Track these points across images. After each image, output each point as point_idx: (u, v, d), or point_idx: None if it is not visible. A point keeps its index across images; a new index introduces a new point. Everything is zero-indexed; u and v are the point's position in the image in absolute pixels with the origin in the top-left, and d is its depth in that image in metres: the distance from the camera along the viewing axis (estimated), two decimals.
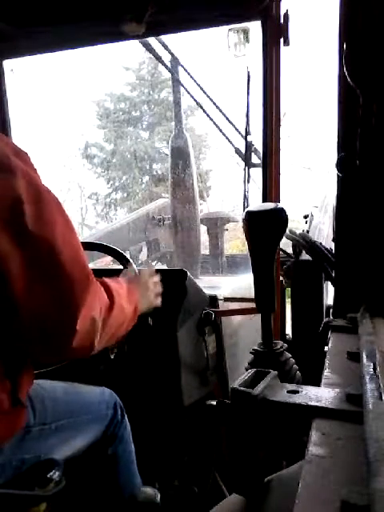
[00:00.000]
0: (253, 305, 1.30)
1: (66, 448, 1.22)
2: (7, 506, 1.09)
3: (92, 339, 0.91)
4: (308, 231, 2.25)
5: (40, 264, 0.81)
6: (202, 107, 2.55)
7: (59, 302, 0.82)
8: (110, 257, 1.57)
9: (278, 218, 1.17)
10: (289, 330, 1.99)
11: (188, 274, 1.71)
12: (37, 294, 0.80)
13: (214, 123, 2.52)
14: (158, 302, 1.34)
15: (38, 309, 0.81)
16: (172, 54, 2.47)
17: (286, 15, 1.62)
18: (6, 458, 1.06)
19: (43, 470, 1.18)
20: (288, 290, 1.98)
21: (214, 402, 1.67)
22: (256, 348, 1.27)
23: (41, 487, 1.16)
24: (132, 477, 1.43)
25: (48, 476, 1.17)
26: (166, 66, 2.55)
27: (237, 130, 2.44)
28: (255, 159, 2.38)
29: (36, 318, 0.81)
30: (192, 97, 2.55)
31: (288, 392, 0.68)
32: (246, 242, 1.22)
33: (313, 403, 0.64)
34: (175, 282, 1.69)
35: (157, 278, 1.35)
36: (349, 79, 1.10)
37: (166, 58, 2.50)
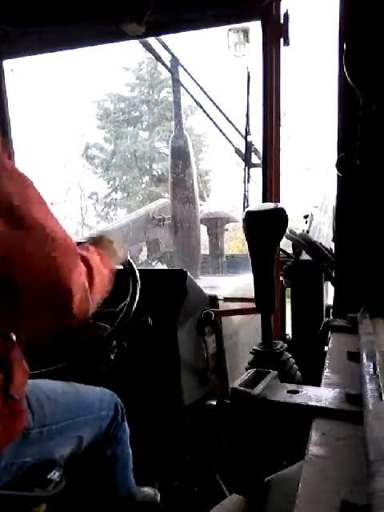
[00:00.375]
0: (253, 305, 1.30)
1: (66, 449, 1.22)
2: (7, 506, 1.09)
3: (87, 299, 0.90)
4: (308, 231, 2.25)
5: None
6: (202, 107, 2.55)
7: (53, 264, 0.82)
8: None
9: (278, 218, 1.17)
10: (289, 330, 1.98)
11: (188, 274, 1.71)
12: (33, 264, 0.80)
13: (214, 123, 2.53)
14: (124, 254, 1.33)
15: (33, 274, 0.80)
16: (172, 54, 2.48)
17: (286, 15, 1.61)
18: (7, 462, 1.06)
19: (43, 470, 1.18)
20: (288, 290, 1.97)
21: (214, 402, 1.67)
22: (256, 348, 1.27)
23: (41, 488, 1.16)
24: (127, 480, 1.41)
25: (48, 477, 1.17)
26: (166, 66, 2.55)
27: (237, 130, 2.44)
28: (255, 159, 2.38)
29: (33, 283, 0.81)
30: (192, 97, 2.55)
31: (288, 392, 0.68)
32: (246, 242, 1.22)
33: (313, 403, 0.64)
34: (175, 282, 1.69)
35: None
36: (349, 79, 1.10)
37: (166, 57, 2.51)
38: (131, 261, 1.50)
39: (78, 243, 1.06)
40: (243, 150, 2.39)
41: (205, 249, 3.50)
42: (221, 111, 2.50)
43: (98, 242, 1.18)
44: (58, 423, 1.18)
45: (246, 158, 2.38)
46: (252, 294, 1.26)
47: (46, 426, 1.14)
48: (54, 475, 1.18)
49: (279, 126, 1.71)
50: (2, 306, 0.82)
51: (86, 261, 0.94)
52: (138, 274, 1.45)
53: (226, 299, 1.91)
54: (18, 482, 1.12)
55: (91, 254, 1.00)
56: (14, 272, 0.79)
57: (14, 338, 1.04)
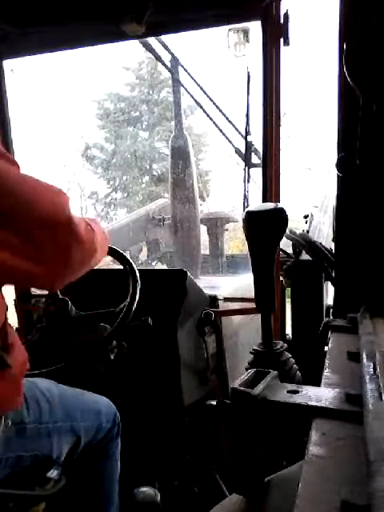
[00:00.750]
0: (253, 305, 1.30)
1: (64, 450, 1.21)
2: (6, 505, 1.09)
3: (91, 229, 0.97)
4: (308, 231, 2.25)
5: None
6: (202, 107, 2.55)
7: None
8: (109, 257, 1.57)
9: (278, 218, 1.17)
10: (289, 330, 1.98)
11: (188, 274, 1.71)
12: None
13: (214, 123, 2.53)
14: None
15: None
16: (172, 54, 2.48)
17: (286, 15, 1.61)
18: (2, 456, 1.06)
19: (42, 469, 1.18)
20: (288, 290, 1.97)
21: (214, 402, 1.67)
22: (256, 348, 1.27)
23: (40, 487, 1.16)
24: (112, 496, 1.40)
25: (47, 475, 1.17)
26: (166, 66, 2.55)
27: (237, 130, 2.44)
28: (255, 159, 2.38)
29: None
30: (192, 97, 2.55)
31: (288, 392, 0.68)
32: (246, 242, 1.22)
33: (313, 403, 0.64)
34: (175, 282, 1.69)
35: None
36: (349, 79, 1.10)
37: (166, 57, 2.51)
38: (131, 261, 1.50)
39: None
40: (243, 150, 2.39)
41: (205, 249, 3.49)
42: (221, 111, 2.50)
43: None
44: (56, 423, 1.18)
45: (246, 158, 2.38)
46: (252, 294, 1.26)
47: (42, 423, 1.14)
48: (53, 474, 1.18)
49: (279, 125, 1.71)
50: (14, 237, 0.84)
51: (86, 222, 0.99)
52: (137, 274, 1.45)
53: (226, 299, 1.91)
54: (17, 481, 1.12)
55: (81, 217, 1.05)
56: (19, 203, 0.84)
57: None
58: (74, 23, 1.76)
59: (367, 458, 0.43)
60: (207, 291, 1.85)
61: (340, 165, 1.24)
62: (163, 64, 2.54)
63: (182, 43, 2.66)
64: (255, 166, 2.38)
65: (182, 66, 2.53)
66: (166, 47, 2.38)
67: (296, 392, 0.68)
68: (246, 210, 1.20)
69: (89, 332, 1.45)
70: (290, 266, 1.93)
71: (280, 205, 1.21)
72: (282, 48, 1.65)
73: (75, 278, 1.01)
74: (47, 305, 1.56)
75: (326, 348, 1.02)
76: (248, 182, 2.40)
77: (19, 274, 0.90)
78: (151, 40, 2.26)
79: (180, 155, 2.83)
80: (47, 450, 1.17)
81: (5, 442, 1.05)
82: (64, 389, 1.28)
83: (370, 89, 1.09)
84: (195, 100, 2.55)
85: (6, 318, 1.05)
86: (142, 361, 1.65)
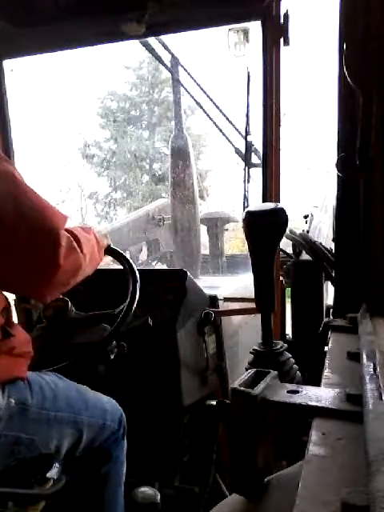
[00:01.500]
0: (253, 305, 1.30)
1: (64, 443, 1.21)
2: (5, 503, 1.09)
3: (77, 255, 1.08)
4: (308, 231, 2.25)
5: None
6: (202, 107, 2.55)
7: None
8: (109, 256, 1.57)
9: (277, 218, 1.18)
10: (289, 330, 1.98)
11: (188, 274, 1.71)
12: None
13: (214, 123, 2.52)
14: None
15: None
16: (172, 54, 2.47)
17: (286, 15, 1.61)
18: (1, 429, 1.07)
19: (41, 468, 1.17)
20: (288, 290, 1.97)
21: (214, 402, 1.67)
22: (256, 348, 1.27)
23: (39, 485, 1.15)
24: (117, 499, 1.38)
25: (47, 475, 1.17)
26: (166, 66, 2.55)
27: (237, 130, 2.44)
28: (255, 159, 2.38)
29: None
30: (192, 97, 2.55)
31: (288, 392, 0.68)
32: (246, 242, 1.22)
33: (313, 403, 0.64)
34: (175, 282, 1.69)
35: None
36: (349, 79, 1.10)
37: (166, 57, 2.50)
38: (131, 261, 1.49)
39: None
40: (243, 150, 2.39)
41: (205, 249, 3.49)
42: (221, 111, 2.50)
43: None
44: (58, 412, 1.18)
45: (246, 158, 2.38)
46: (252, 294, 1.26)
47: (44, 409, 1.15)
48: (53, 473, 1.17)
49: (279, 125, 1.71)
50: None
51: (69, 231, 1.09)
52: (137, 274, 1.45)
53: (226, 299, 1.91)
54: (17, 479, 1.12)
55: (74, 228, 1.16)
56: (5, 213, 0.96)
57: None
58: (74, 23, 1.76)
59: (367, 457, 0.43)
60: (207, 291, 1.85)
61: (340, 165, 1.24)
62: (163, 64, 2.54)
63: (182, 43, 2.66)
64: (255, 165, 2.37)
65: (182, 66, 2.52)
66: (165, 47, 2.38)
67: (296, 392, 0.68)
68: (246, 210, 1.20)
69: (89, 332, 1.45)
70: (290, 266, 1.93)
71: (280, 205, 1.21)
72: (282, 48, 1.65)
73: (65, 289, 1.15)
74: (47, 305, 1.56)
75: (326, 348, 1.02)
76: (248, 182, 2.39)
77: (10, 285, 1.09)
78: (151, 40, 2.26)
79: (180, 155, 2.83)
80: (46, 438, 1.16)
81: (6, 420, 1.07)
82: (69, 383, 1.28)
83: (370, 89, 1.09)
84: (195, 100, 2.54)
85: (8, 304, 1.16)
86: (142, 361, 1.65)
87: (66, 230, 1.07)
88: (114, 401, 1.38)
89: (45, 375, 1.24)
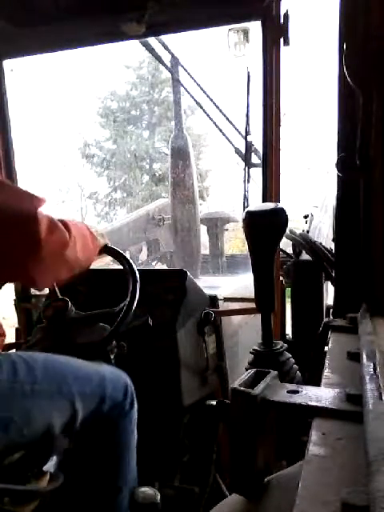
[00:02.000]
0: (253, 305, 1.31)
1: (54, 416, 1.13)
2: (1, 500, 1.08)
3: (60, 237, 1.10)
4: (308, 231, 2.25)
5: None
6: (202, 107, 2.55)
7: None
8: (109, 256, 1.57)
9: (277, 218, 1.18)
10: (289, 330, 1.98)
11: (188, 273, 1.71)
12: None
13: (214, 123, 2.53)
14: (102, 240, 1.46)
15: None
16: (172, 54, 2.47)
17: (286, 15, 1.61)
18: None
19: (38, 462, 1.16)
20: (288, 290, 1.97)
21: (214, 402, 1.67)
22: (256, 348, 1.27)
23: (36, 479, 1.13)
24: (128, 464, 1.33)
25: (44, 469, 1.15)
26: (166, 66, 2.55)
27: (237, 130, 2.44)
28: (255, 159, 2.38)
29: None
30: (192, 97, 2.55)
31: (288, 392, 0.68)
32: (246, 242, 1.22)
33: (313, 403, 0.64)
34: (175, 282, 1.69)
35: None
36: (349, 79, 1.10)
37: (166, 57, 2.51)
38: (131, 261, 1.50)
39: None
40: (243, 150, 2.39)
41: (205, 249, 3.49)
42: (221, 111, 2.50)
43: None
44: (34, 384, 1.09)
45: (246, 158, 2.38)
46: (252, 294, 1.26)
47: (17, 382, 1.06)
48: (50, 466, 1.16)
49: (279, 125, 1.71)
50: None
51: (62, 221, 1.11)
52: (137, 274, 1.45)
53: (226, 299, 1.91)
54: (12, 475, 1.11)
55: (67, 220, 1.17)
56: None
57: None
58: (74, 23, 1.76)
59: (367, 457, 0.43)
60: (207, 291, 1.85)
61: (340, 165, 1.24)
62: (163, 64, 2.54)
63: (182, 43, 2.66)
64: (255, 165, 2.38)
65: (182, 66, 2.52)
66: (165, 47, 2.38)
67: (296, 392, 0.68)
68: (246, 210, 1.20)
69: (89, 332, 1.45)
70: (290, 266, 1.93)
71: (280, 205, 1.21)
72: (282, 48, 1.65)
73: (57, 274, 1.17)
74: (47, 305, 1.56)
75: (326, 348, 1.02)
76: (248, 182, 2.40)
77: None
78: (151, 40, 2.26)
79: (180, 155, 2.83)
80: (28, 415, 1.08)
81: None
82: (54, 356, 1.20)
83: (370, 89, 1.09)
84: (195, 100, 2.55)
85: None
86: (141, 361, 1.65)
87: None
88: (120, 370, 1.31)
89: (20, 352, 1.20)
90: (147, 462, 1.51)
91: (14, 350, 1.83)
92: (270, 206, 1.23)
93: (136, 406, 1.33)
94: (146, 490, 1.47)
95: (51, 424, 1.11)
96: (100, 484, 1.30)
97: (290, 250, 2.06)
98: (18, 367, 1.09)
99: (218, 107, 2.50)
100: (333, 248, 1.81)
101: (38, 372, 1.11)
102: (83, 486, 1.31)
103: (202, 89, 2.46)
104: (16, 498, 1.09)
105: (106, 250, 1.49)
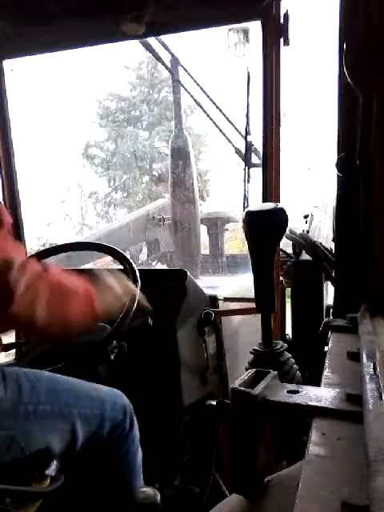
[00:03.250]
0: (253, 305, 1.30)
1: (53, 438, 1.14)
2: (3, 500, 1.08)
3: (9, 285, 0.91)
4: (308, 231, 2.25)
5: None
6: (202, 107, 2.55)
7: None
8: (109, 257, 1.57)
9: (277, 218, 1.17)
10: (289, 330, 1.98)
11: (188, 273, 1.71)
12: None
13: (214, 123, 2.53)
14: (120, 302, 1.25)
15: None
16: (172, 54, 2.48)
17: (286, 15, 1.61)
18: None
19: (40, 465, 1.16)
20: (288, 290, 1.97)
21: (214, 402, 1.67)
22: (256, 348, 1.27)
23: (37, 482, 1.14)
24: (134, 481, 1.34)
25: (46, 472, 1.16)
26: (166, 66, 2.55)
27: (237, 129, 2.44)
28: (255, 159, 2.38)
29: None
30: (192, 97, 2.55)
31: (288, 392, 0.68)
32: (246, 242, 1.22)
33: (313, 403, 0.64)
34: (175, 282, 1.69)
35: (114, 279, 1.23)
36: (349, 79, 1.10)
37: (166, 57, 2.51)
38: (131, 261, 1.50)
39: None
40: (243, 150, 2.39)
41: (205, 249, 3.50)
42: (221, 111, 2.51)
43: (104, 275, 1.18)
44: (38, 405, 1.10)
45: (246, 158, 2.38)
46: (252, 294, 1.26)
47: (21, 403, 1.07)
48: (51, 470, 1.16)
49: (279, 125, 1.71)
50: None
51: (44, 273, 0.96)
52: (138, 274, 1.45)
53: (226, 299, 1.91)
54: (14, 477, 1.11)
55: (55, 271, 1.01)
56: None
57: None
58: (74, 23, 1.76)
59: (367, 457, 0.43)
60: (207, 291, 1.85)
61: (340, 165, 1.24)
62: (163, 64, 2.54)
63: (182, 43, 2.66)
64: (255, 165, 2.38)
65: (182, 66, 2.53)
66: (166, 47, 2.38)
67: (296, 392, 0.68)
68: (246, 209, 1.20)
69: (88, 332, 1.45)
70: (290, 266, 1.93)
71: (280, 205, 1.21)
72: (282, 48, 1.65)
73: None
74: None
75: (326, 348, 1.02)
76: (248, 182, 2.40)
77: None
78: (151, 40, 2.26)
79: (180, 155, 2.83)
80: (29, 435, 1.09)
81: None
82: (56, 376, 1.21)
83: (370, 89, 1.09)
84: (195, 100, 2.55)
85: None
86: (141, 361, 1.65)
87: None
88: (119, 391, 1.32)
89: (26, 370, 1.18)
90: (147, 462, 1.51)
91: (14, 351, 1.83)
92: (270, 205, 1.23)
93: (136, 425, 1.33)
94: (146, 489, 1.47)
95: (51, 445, 1.13)
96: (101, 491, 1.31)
97: (290, 250, 2.05)
98: (22, 386, 1.10)
99: (217, 107, 2.50)
100: (333, 248, 1.81)
101: (42, 393, 1.12)
102: (84, 489, 1.32)
103: (201, 89, 2.46)
104: (17, 499, 1.10)
105: (106, 251, 1.48)
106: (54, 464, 1.18)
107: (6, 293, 0.89)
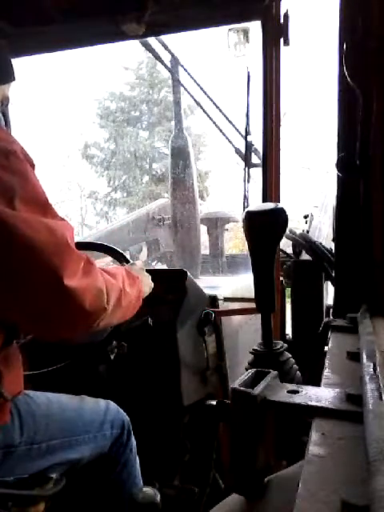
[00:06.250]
0: (253, 305, 1.30)
1: (58, 468, 1.16)
2: (5, 504, 1.08)
3: (101, 299, 0.93)
4: (308, 231, 2.25)
5: None
6: (201, 107, 2.55)
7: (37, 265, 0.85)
8: (109, 257, 1.57)
9: (278, 218, 1.17)
10: (289, 330, 1.98)
11: (188, 273, 1.71)
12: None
13: (214, 123, 2.52)
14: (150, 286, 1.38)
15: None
16: (172, 54, 2.47)
17: (286, 15, 1.61)
18: None
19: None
20: (288, 290, 1.97)
21: (214, 402, 1.67)
22: (256, 348, 1.27)
23: (39, 486, 1.15)
24: (134, 486, 1.35)
25: (47, 475, 1.16)
26: (166, 66, 2.55)
27: (237, 129, 2.44)
28: (255, 159, 2.38)
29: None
30: (192, 97, 2.55)
31: (288, 392, 0.68)
32: (246, 242, 1.22)
33: (313, 403, 0.64)
34: (175, 282, 1.69)
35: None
36: (349, 79, 1.10)
37: (166, 57, 2.50)
38: (131, 261, 1.50)
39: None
40: (243, 150, 2.39)
41: (205, 249, 3.49)
42: (221, 111, 2.50)
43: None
44: (50, 441, 1.12)
45: (246, 158, 2.38)
46: (252, 294, 1.26)
47: (35, 443, 1.08)
48: (54, 474, 1.17)
49: (279, 125, 1.71)
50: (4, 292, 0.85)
51: (106, 271, 1.00)
52: None
53: (226, 299, 1.91)
54: (17, 480, 1.12)
55: (116, 269, 1.08)
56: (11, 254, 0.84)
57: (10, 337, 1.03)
58: (74, 23, 1.76)
59: (367, 457, 0.43)
60: (207, 291, 1.85)
61: (340, 165, 1.24)
62: (163, 64, 2.54)
63: (182, 43, 2.66)
64: (255, 165, 2.37)
65: (182, 66, 2.52)
66: (166, 47, 2.38)
67: (296, 392, 0.68)
68: (246, 210, 1.20)
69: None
70: (290, 266, 1.93)
71: (280, 205, 1.21)
72: (282, 48, 1.65)
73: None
74: None
75: (326, 348, 1.02)
76: (248, 182, 2.39)
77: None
78: (151, 40, 2.26)
79: (180, 155, 2.83)
80: (39, 470, 1.12)
81: None
82: (63, 401, 1.21)
83: (370, 89, 1.09)
84: (195, 100, 2.54)
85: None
86: (141, 361, 1.65)
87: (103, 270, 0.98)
88: (114, 404, 1.34)
89: (36, 398, 1.15)
90: (147, 462, 1.52)
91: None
92: (270, 205, 1.23)
93: (132, 435, 1.35)
94: (146, 489, 1.47)
95: (56, 470, 1.15)
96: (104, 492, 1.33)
97: (290, 250, 2.05)
98: (39, 427, 1.09)
99: (217, 107, 2.50)
100: (333, 248, 1.81)
101: (55, 425, 1.13)
102: (86, 492, 1.34)
103: (201, 89, 2.46)
104: (19, 503, 1.10)
105: (102, 249, 1.48)
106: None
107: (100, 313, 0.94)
